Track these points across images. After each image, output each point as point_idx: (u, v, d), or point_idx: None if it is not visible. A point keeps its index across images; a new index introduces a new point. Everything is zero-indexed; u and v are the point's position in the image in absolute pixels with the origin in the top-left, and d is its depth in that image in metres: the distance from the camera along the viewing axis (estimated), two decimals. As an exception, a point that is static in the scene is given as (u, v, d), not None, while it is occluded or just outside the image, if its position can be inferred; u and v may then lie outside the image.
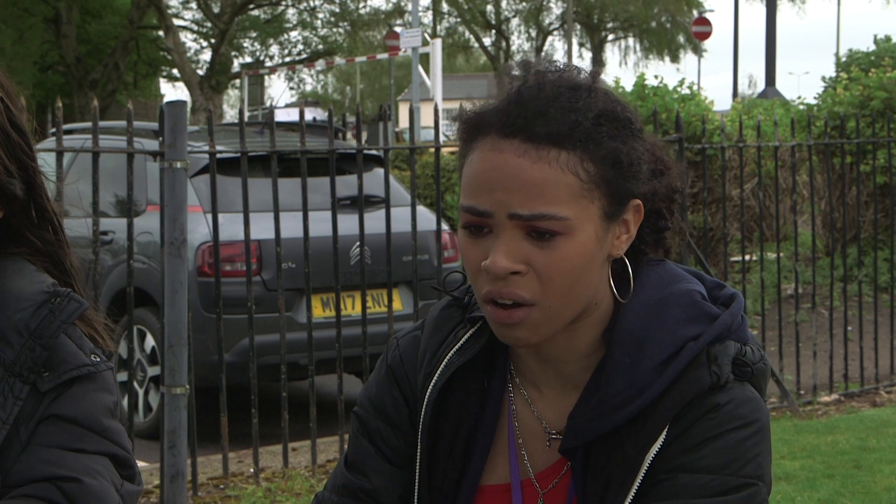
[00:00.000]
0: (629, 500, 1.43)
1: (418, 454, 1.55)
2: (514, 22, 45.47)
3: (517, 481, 1.52)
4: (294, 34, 37.82)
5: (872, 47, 17.10)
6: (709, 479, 1.40)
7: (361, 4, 37.79)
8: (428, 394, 1.54)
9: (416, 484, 1.55)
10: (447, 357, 1.54)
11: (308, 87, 49.28)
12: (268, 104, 32.30)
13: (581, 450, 1.47)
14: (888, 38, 17.00)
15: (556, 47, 53.02)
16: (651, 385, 1.43)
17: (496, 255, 1.40)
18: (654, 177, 1.48)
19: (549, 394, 1.53)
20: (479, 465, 1.53)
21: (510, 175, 1.39)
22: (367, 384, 1.63)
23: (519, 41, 45.92)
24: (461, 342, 1.54)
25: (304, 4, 36.25)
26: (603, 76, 1.49)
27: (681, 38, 44.41)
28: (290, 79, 40.54)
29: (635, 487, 1.43)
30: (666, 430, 1.43)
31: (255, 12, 35.61)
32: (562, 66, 1.47)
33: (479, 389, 1.55)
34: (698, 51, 44.04)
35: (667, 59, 45.04)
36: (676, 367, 1.43)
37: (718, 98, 29.32)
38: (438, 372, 1.54)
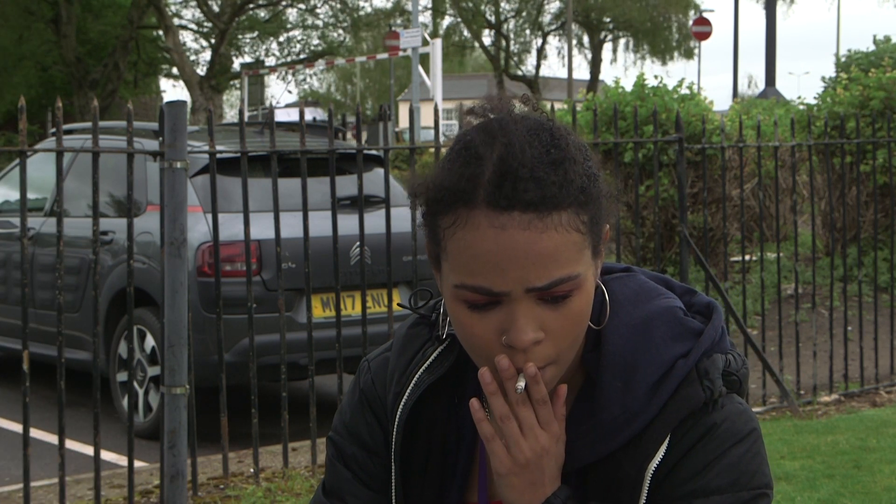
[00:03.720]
0: None
1: (393, 475, 1.55)
2: (514, 22, 45.46)
3: (484, 500, 1.52)
4: (294, 34, 37.82)
5: (872, 47, 17.10)
6: (723, 500, 1.42)
7: (362, 4, 37.82)
8: (398, 414, 1.53)
9: None
10: (416, 376, 1.53)
11: (308, 87, 49.24)
12: (268, 104, 32.30)
13: (574, 474, 1.47)
14: (888, 39, 17.00)
15: (553, 46, 52.97)
16: (646, 407, 1.43)
17: (519, 332, 1.37)
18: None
19: None
20: (462, 483, 1.54)
21: (522, 251, 1.34)
22: (340, 408, 1.62)
23: (519, 41, 45.90)
24: (430, 360, 1.53)
25: (304, 4, 36.24)
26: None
27: (680, 37, 44.40)
28: (291, 75, 40.46)
29: None
30: (665, 444, 1.43)
31: (255, 12, 35.60)
32: (518, 114, 1.41)
33: (449, 407, 1.54)
34: (691, 54, 44.02)
35: (666, 59, 45.04)
36: (669, 386, 1.44)
37: (718, 98, 29.32)
38: (408, 391, 1.53)
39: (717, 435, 1.43)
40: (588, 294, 1.41)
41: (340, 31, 37.82)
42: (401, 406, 1.53)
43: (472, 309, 1.39)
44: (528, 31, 45.89)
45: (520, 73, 45.07)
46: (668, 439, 1.43)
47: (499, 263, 1.35)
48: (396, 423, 1.53)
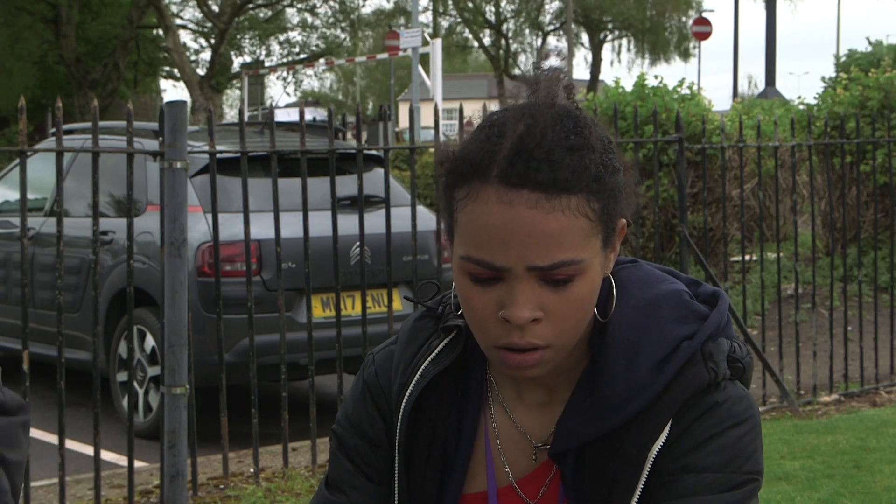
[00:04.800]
0: (636, 500, 1.44)
1: (396, 467, 1.55)
2: (514, 22, 45.46)
3: (493, 488, 1.52)
4: (294, 34, 37.83)
5: (871, 48, 17.11)
6: (714, 478, 1.42)
7: (362, 4, 37.82)
8: (403, 405, 1.54)
9: (396, 497, 1.56)
10: (422, 367, 1.54)
11: (308, 87, 49.26)
12: (268, 104, 32.30)
13: (572, 453, 1.47)
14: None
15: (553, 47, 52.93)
16: (649, 385, 1.44)
17: (517, 308, 1.38)
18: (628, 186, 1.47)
19: (530, 402, 1.54)
20: (461, 475, 1.54)
21: (526, 230, 1.36)
22: (344, 401, 1.63)
23: (519, 41, 45.91)
24: (436, 352, 1.54)
25: (304, 4, 36.23)
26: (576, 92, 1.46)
27: (679, 37, 44.40)
28: (291, 79, 40.47)
29: (640, 486, 1.44)
30: (668, 427, 1.44)
31: (255, 12, 35.60)
32: (555, 99, 1.42)
33: (454, 399, 1.55)
34: (688, 55, 44.02)
35: (666, 59, 45.05)
36: (673, 366, 1.44)
37: (718, 98, 29.36)
38: (413, 382, 1.54)
39: (716, 413, 1.44)
40: (592, 282, 1.42)
41: (340, 32, 37.83)
42: (406, 397, 1.54)
43: (474, 282, 1.41)
44: (527, 31, 45.90)
45: (520, 72, 45.00)
46: (671, 422, 1.44)
47: (503, 239, 1.37)
48: (401, 414, 1.54)
